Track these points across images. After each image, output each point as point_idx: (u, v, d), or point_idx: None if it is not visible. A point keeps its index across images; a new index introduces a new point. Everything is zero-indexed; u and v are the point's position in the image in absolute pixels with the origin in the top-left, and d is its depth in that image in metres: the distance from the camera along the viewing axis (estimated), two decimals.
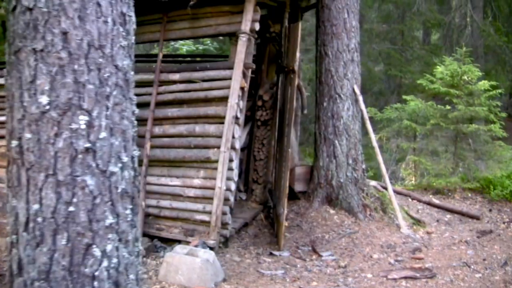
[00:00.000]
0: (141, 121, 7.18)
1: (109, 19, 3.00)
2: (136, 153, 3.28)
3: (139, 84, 7.40)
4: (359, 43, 8.68)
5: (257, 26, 6.85)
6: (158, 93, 7.28)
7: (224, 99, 6.81)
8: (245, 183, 9.22)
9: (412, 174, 11.15)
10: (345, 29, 8.47)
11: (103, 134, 2.97)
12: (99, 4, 2.95)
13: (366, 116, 8.54)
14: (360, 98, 8.50)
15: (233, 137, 6.90)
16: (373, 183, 9.73)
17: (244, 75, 6.87)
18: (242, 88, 6.85)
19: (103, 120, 2.97)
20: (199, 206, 7.10)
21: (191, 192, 7.14)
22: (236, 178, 7.09)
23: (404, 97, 10.48)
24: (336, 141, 8.55)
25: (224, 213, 7.00)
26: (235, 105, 6.74)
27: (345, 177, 8.50)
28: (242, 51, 6.75)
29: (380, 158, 8.41)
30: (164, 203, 7.35)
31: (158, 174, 7.39)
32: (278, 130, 8.67)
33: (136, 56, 10.43)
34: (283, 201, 7.20)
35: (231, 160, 6.94)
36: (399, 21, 17.71)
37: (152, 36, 7.33)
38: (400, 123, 10.47)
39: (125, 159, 3.12)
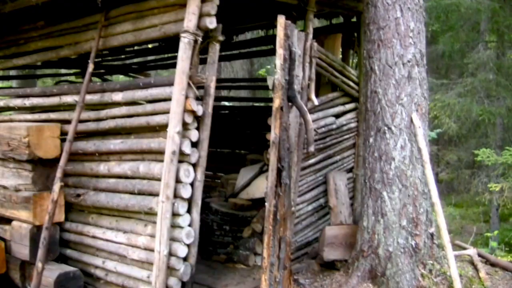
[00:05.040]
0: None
1: None
2: None
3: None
4: (422, 54, 6.06)
5: (210, 23, 4.77)
6: (97, 119, 5.50)
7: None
8: None
9: None
10: (397, 34, 5.92)
11: None
12: None
13: (426, 157, 5.86)
14: (420, 132, 5.87)
15: (179, 181, 4.85)
16: (470, 252, 6.89)
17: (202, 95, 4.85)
18: (192, 112, 4.80)
19: None
20: (143, 274, 5.14)
21: (135, 254, 5.22)
22: (189, 240, 4.98)
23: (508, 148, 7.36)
24: (385, 193, 5.99)
25: None
26: (176, 136, 4.69)
27: (395, 245, 5.89)
28: (184, 58, 4.71)
29: (441, 220, 5.67)
30: (110, 264, 5.50)
31: (107, 226, 5.56)
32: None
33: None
34: None
35: (176, 214, 4.89)
36: None
37: (91, 44, 5.54)
38: None
39: None
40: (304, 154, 6.41)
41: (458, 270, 5.81)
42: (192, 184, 4.99)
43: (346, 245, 6.41)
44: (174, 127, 4.68)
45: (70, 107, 5.78)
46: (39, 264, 4.89)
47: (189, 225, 5.01)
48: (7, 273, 5.82)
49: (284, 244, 5.47)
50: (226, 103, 12.31)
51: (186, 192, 4.89)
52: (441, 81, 12.96)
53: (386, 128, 5.96)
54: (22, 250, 5.65)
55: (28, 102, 6.18)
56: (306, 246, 6.91)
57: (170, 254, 4.89)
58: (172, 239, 4.91)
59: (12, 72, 11.10)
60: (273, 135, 4.96)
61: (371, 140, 6.14)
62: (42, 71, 10.48)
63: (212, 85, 5.01)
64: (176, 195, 4.84)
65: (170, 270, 4.96)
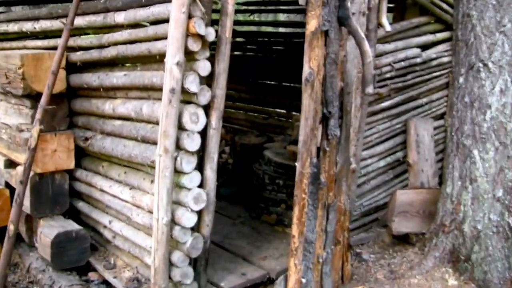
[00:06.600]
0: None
1: None
2: None
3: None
4: None
5: None
6: (100, 46, 4.40)
7: None
8: None
9: None
10: None
11: None
12: None
13: None
14: None
15: (183, 128, 3.68)
16: None
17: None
18: (198, 36, 3.56)
19: None
20: (147, 243, 4.09)
21: (139, 217, 4.16)
22: (198, 205, 3.83)
23: None
24: (476, 151, 4.52)
25: (174, 265, 3.89)
26: (175, 68, 3.49)
27: (486, 221, 4.46)
28: None
29: None
30: (117, 226, 4.50)
31: (116, 179, 4.51)
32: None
33: None
34: None
35: (180, 172, 3.75)
36: None
37: None
38: None
39: None
40: (375, 96, 5.02)
41: None
42: (203, 133, 3.81)
43: (424, 214, 5.04)
44: (172, 57, 3.47)
45: (79, 30, 4.71)
46: (10, 227, 3.95)
47: (200, 186, 3.86)
48: None
49: (333, 214, 4.22)
50: None
51: (192, 143, 3.71)
52: None
53: (481, 64, 4.46)
54: (24, 202, 4.77)
55: (37, 26, 5.18)
56: (376, 211, 5.55)
57: (174, 222, 3.80)
58: (176, 203, 3.81)
59: None
60: (307, 70, 3.63)
61: (461, 80, 4.65)
62: None
63: (230, 0, 3.72)
64: (179, 147, 3.69)
65: (175, 242, 3.89)
